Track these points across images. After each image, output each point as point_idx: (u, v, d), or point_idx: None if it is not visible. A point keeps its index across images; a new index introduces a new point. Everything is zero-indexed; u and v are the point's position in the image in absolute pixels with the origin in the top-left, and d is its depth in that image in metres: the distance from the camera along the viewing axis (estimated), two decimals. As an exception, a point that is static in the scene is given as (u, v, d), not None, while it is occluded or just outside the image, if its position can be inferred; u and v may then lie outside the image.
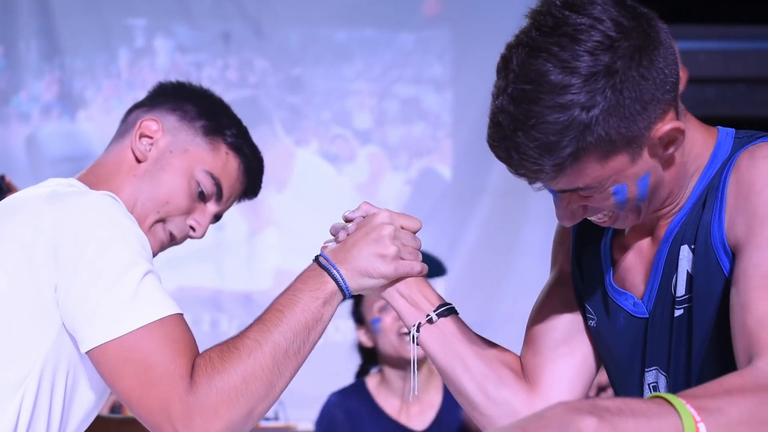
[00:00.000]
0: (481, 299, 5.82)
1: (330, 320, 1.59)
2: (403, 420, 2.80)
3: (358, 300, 2.84)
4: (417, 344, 1.62)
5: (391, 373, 2.86)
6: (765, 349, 1.22)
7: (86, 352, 1.47)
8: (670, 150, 1.39)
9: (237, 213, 5.55)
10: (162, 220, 1.71)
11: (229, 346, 1.49)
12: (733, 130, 1.49)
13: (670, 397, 1.10)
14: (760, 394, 1.15)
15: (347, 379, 4.95)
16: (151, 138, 1.73)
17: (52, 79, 5.63)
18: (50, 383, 1.50)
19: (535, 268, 5.87)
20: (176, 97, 1.79)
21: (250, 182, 1.81)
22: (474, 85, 5.36)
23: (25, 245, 1.48)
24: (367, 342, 2.88)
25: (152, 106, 1.78)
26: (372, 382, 2.89)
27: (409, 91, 5.64)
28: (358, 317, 2.87)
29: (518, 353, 1.68)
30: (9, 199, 1.65)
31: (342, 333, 5.35)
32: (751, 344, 1.25)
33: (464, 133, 5.59)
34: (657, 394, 1.12)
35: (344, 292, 1.59)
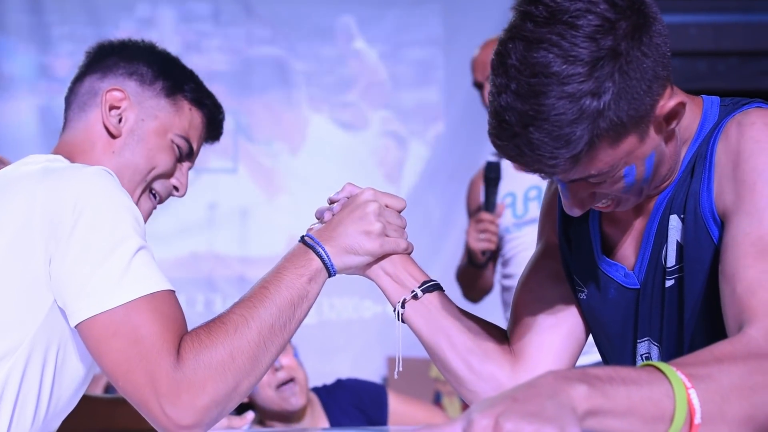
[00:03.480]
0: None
1: (315, 298, 1.59)
2: None
3: None
4: (402, 321, 1.62)
5: (275, 425, 2.84)
6: (755, 316, 1.23)
7: (75, 326, 1.47)
8: (672, 125, 1.39)
9: (252, 180, 5.55)
10: (148, 187, 1.72)
11: (216, 322, 1.50)
12: (718, 98, 1.50)
13: (660, 365, 1.10)
14: (751, 361, 1.15)
15: (342, 356, 4.96)
16: (118, 108, 1.72)
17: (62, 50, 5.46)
18: (41, 358, 1.49)
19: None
20: (127, 59, 1.76)
21: (214, 131, 1.82)
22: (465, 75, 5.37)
23: (20, 220, 1.48)
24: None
25: (105, 73, 1.75)
26: None
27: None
28: None
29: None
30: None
31: (337, 311, 5.36)
32: (741, 312, 1.25)
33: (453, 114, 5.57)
34: (648, 362, 1.12)
35: (329, 270, 1.60)
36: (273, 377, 2.80)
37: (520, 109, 1.31)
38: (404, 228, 1.66)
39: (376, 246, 1.61)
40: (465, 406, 5.53)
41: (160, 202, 1.76)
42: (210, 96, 1.80)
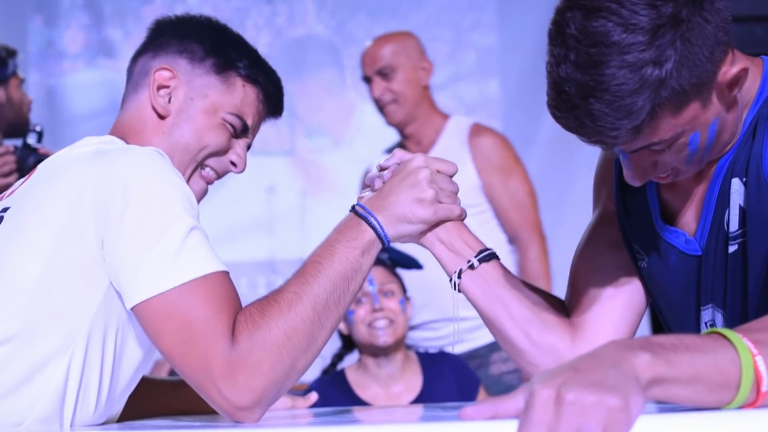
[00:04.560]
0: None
1: (369, 269, 1.56)
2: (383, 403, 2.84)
3: None
4: (459, 291, 1.60)
5: (368, 361, 2.90)
6: None
7: (131, 308, 1.46)
8: (735, 91, 1.36)
9: (289, 174, 5.56)
10: (199, 166, 1.70)
11: (269, 300, 1.47)
12: None
13: (726, 331, 1.08)
14: None
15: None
16: (167, 87, 1.70)
17: (77, 24, 5.35)
18: (101, 341, 1.49)
19: (588, 220, 5.82)
20: (179, 37, 1.74)
21: (272, 107, 1.78)
22: (521, 38, 5.31)
23: (71, 203, 1.47)
24: (344, 330, 2.93)
25: (157, 51, 1.74)
26: (351, 372, 2.93)
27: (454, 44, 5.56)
28: None
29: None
30: (51, 159, 1.64)
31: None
32: None
33: (512, 86, 5.53)
34: (713, 329, 1.10)
35: (383, 240, 1.57)
36: (370, 315, 2.84)
37: (579, 79, 1.28)
38: (456, 193, 1.63)
39: (430, 213, 1.58)
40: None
41: (218, 177, 1.74)
42: (266, 71, 1.76)
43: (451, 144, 3.41)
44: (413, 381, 2.89)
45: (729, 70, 1.33)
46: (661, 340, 1.05)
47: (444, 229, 1.61)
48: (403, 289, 2.94)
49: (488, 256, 1.61)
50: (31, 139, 3.09)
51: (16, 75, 3.28)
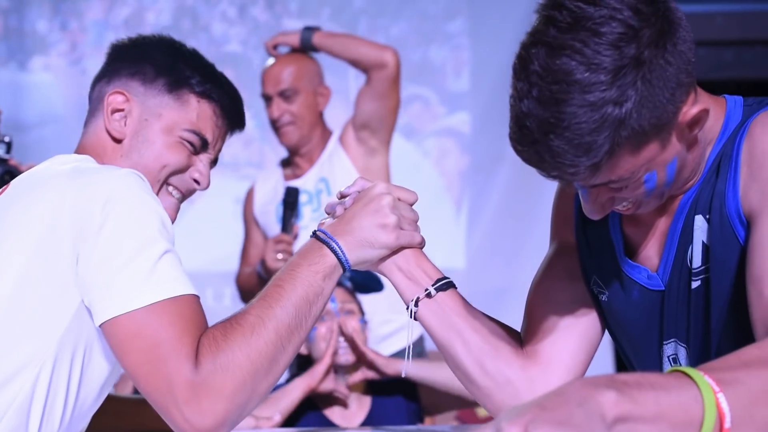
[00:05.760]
0: (500, 267, 5.82)
1: (331, 294, 1.58)
2: (337, 420, 2.85)
3: None
4: (416, 319, 1.61)
5: (330, 380, 2.88)
6: None
7: (99, 325, 1.47)
8: (695, 131, 1.38)
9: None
10: (165, 183, 1.71)
11: (232, 323, 1.48)
12: (741, 97, 1.48)
13: (688, 370, 1.09)
14: None
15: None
16: (122, 111, 1.71)
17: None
18: (69, 358, 1.50)
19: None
20: (132, 59, 1.74)
21: (231, 121, 1.78)
22: (491, 61, 5.33)
23: (48, 219, 1.48)
24: (303, 350, 2.93)
25: (111, 76, 1.74)
26: None
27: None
28: None
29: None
30: (27, 175, 1.64)
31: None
32: None
33: (480, 103, 5.55)
34: (675, 368, 1.11)
35: (344, 265, 1.58)
36: (332, 336, 2.84)
37: (541, 116, 1.30)
38: (417, 221, 1.64)
39: (392, 239, 1.59)
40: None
41: (184, 197, 1.74)
42: (221, 86, 1.76)
43: (333, 151, 3.49)
44: (364, 400, 2.90)
45: (689, 110, 1.35)
46: (626, 378, 1.07)
47: (403, 257, 1.62)
48: (362, 312, 2.96)
49: (446, 284, 1.61)
50: (0, 150, 3.07)
51: None
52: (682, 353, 1.50)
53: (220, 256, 5.75)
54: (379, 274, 1.67)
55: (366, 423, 2.84)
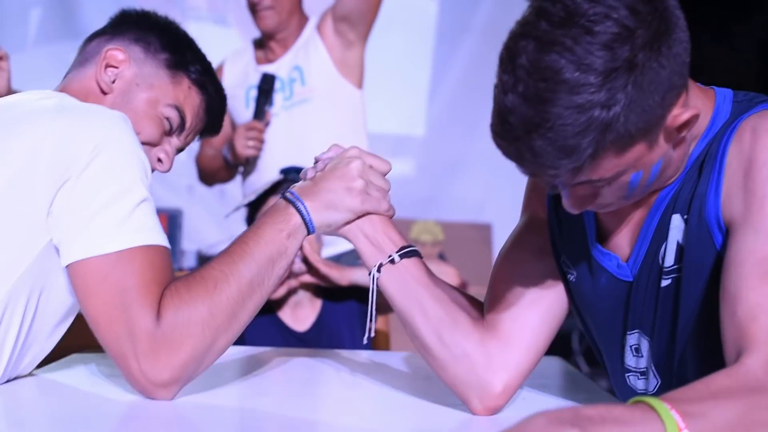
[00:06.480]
0: (458, 138, 5.82)
1: (295, 254, 1.58)
2: (289, 322, 2.86)
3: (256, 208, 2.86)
4: (377, 286, 1.58)
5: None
6: (754, 344, 1.18)
7: (66, 265, 1.47)
8: (683, 133, 1.33)
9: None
10: None
11: (195, 278, 1.49)
12: (731, 92, 1.43)
13: (654, 402, 1.07)
14: (747, 397, 1.11)
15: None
16: (116, 68, 1.71)
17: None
18: (26, 295, 1.49)
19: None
20: (140, 27, 1.75)
21: (211, 120, 1.81)
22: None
23: (26, 156, 1.46)
24: None
25: (114, 34, 1.75)
26: None
27: None
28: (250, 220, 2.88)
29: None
30: (6, 104, 1.60)
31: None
32: (741, 337, 1.20)
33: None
34: (640, 398, 1.09)
35: (308, 226, 1.58)
36: None
37: (525, 113, 1.24)
38: (387, 191, 1.63)
39: (357, 203, 1.59)
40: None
41: None
42: (216, 85, 1.79)
43: (309, 39, 3.40)
44: (316, 303, 2.91)
45: (680, 115, 1.29)
46: (590, 413, 1.04)
47: (369, 222, 1.60)
48: None
49: (410, 252, 1.59)
50: None
51: None
52: (645, 345, 1.48)
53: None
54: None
55: (316, 325, 2.86)
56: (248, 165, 3.39)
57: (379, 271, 1.58)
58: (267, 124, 3.34)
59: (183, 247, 4.96)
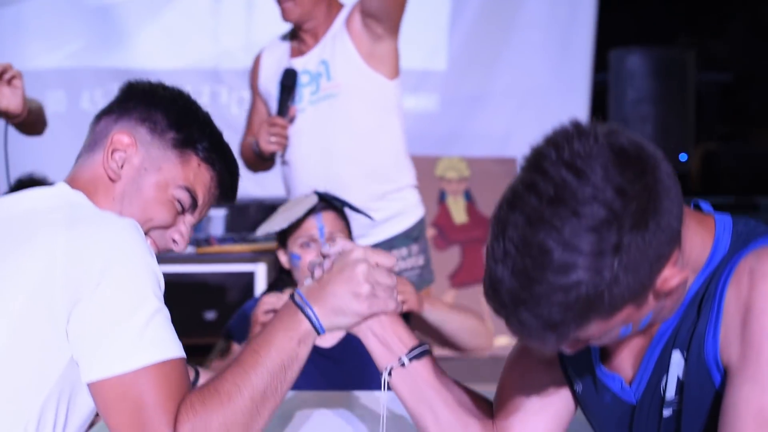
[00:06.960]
0: (480, 72, 5.82)
1: (306, 358, 1.60)
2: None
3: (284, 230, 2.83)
4: (389, 388, 1.64)
5: None
6: None
7: (86, 383, 1.50)
8: (672, 296, 1.36)
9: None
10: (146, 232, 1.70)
11: (210, 390, 1.52)
12: (730, 221, 1.44)
13: None
14: None
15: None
16: (123, 152, 1.69)
17: None
18: (54, 407, 1.52)
19: (534, 43, 5.85)
20: (146, 104, 1.74)
21: (224, 192, 1.79)
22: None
23: (42, 273, 1.48)
24: (285, 264, 2.88)
25: (121, 114, 1.72)
26: None
27: None
28: (282, 240, 2.85)
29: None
30: (14, 210, 1.62)
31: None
32: None
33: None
34: None
35: (318, 331, 1.61)
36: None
37: (513, 287, 1.28)
38: (393, 288, 1.65)
39: (365, 307, 1.62)
40: (470, 206, 5.58)
41: (157, 251, 1.74)
42: (225, 158, 1.77)
43: (338, 32, 3.31)
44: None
45: (669, 279, 1.31)
46: None
47: (378, 323, 1.64)
48: (350, 236, 2.88)
49: (420, 353, 1.64)
50: None
51: None
52: None
53: (197, 55, 5.72)
54: None
55: (342, 341, 2.80)
56: (272, 160, 3.39)
57: (390, 374, 1.64)
58: (292, 119, 3.28)
59: (210, 214, 4.98)
